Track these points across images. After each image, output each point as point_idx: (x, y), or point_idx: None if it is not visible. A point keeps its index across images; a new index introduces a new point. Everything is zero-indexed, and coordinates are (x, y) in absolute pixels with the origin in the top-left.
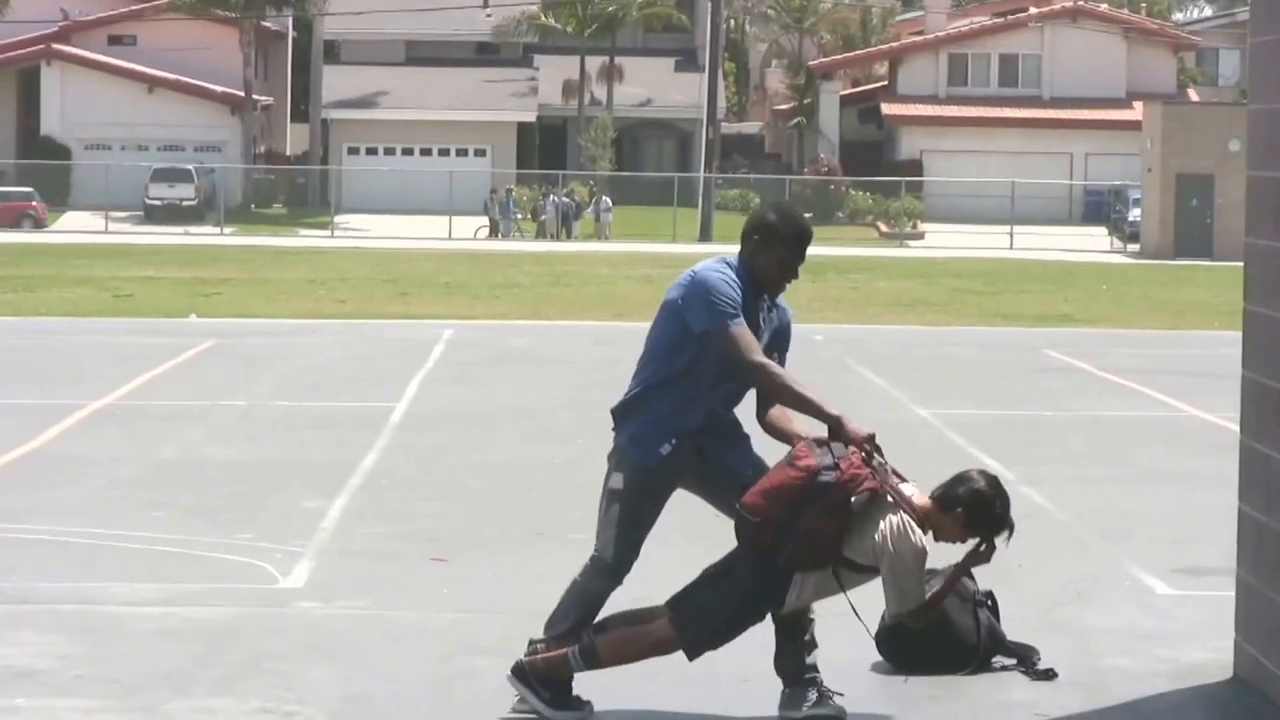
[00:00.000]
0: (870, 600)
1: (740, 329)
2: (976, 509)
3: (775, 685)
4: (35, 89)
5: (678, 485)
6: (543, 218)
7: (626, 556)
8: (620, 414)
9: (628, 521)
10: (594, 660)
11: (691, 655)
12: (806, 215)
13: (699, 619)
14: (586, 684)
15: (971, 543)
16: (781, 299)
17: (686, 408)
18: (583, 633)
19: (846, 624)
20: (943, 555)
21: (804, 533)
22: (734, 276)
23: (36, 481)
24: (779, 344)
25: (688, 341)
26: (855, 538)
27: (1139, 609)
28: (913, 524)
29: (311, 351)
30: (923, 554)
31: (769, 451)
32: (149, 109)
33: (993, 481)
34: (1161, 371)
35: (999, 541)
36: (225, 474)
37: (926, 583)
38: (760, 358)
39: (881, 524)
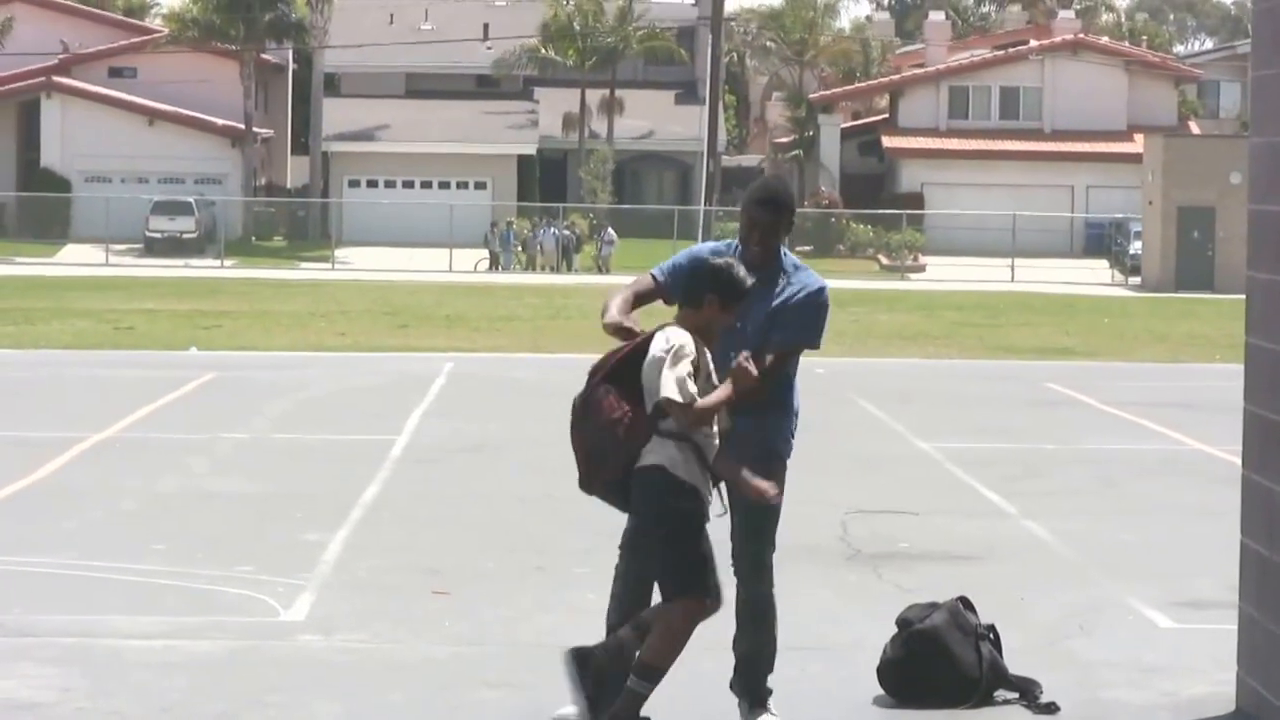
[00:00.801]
0: (872, 632)
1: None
2: (722, 282)
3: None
4: (35, 121)
5: None
6: (534, 250)
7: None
8: None
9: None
10: (652, 674)
11: (718, 603)
12: (782, 183)
13: (692, 575)
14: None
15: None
16: (809, 272)
17: None
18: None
19: (850, 657)
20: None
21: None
22: (698, 250)
23: (37, 514)
24: (780, 318)
25: None
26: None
27: (1141, 642)
28: (666, 335)
29: (312, 384)
30: (680, 348)
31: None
32: (149, 141)
33: (714, 250)
34: (1163, 404)
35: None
36: (226, 507)
37: (926, 616)
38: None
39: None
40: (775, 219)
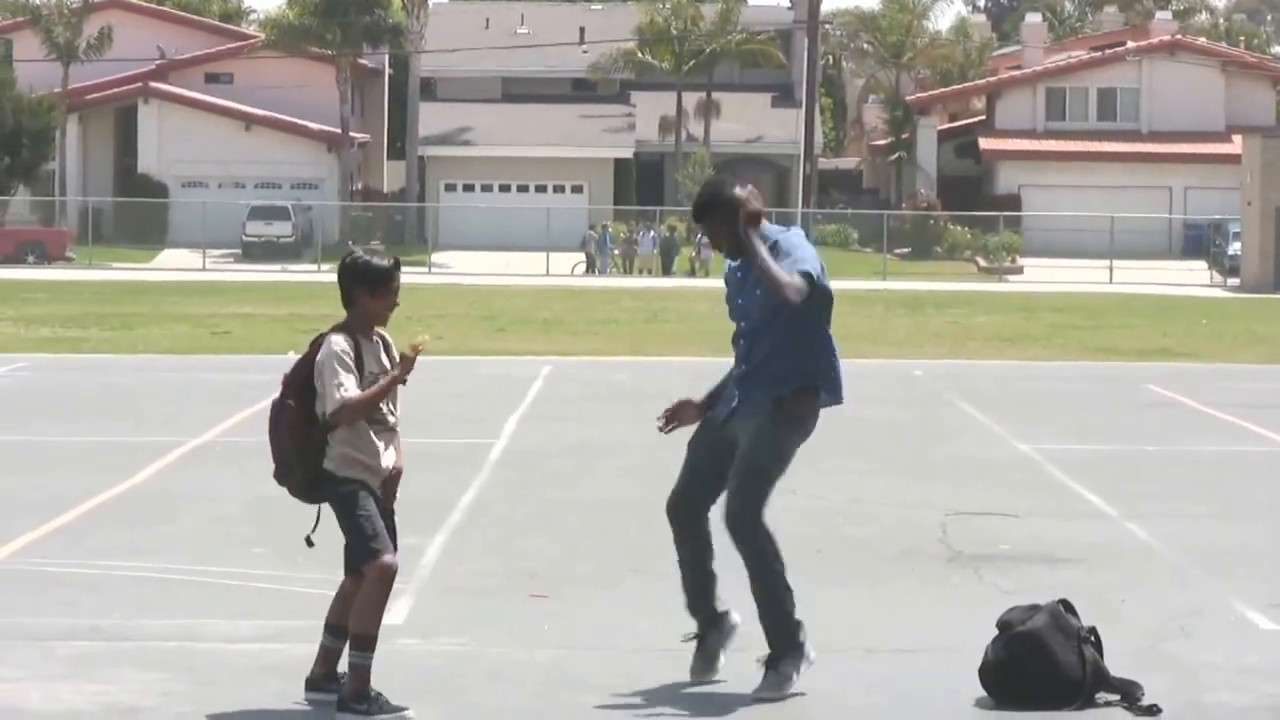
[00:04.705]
0: (973, 634)
1: None
2: (360, 274)
3: None
4: (132, 127)
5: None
6: (638, 250)
7: None
8: None
9: None
10: (366, 643)
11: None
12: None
13: (364, 540)
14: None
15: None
16: (781, 230)
17: None
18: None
19: (951, 659)
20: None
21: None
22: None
23: (136, 519)
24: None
25: None
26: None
27: (1242, 644)
28: (332, 338)
29: (410, 388)
30: (334, 354)
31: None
32: (246, 147)
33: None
34: (1264, 406)
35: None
36: (326, 511)
37: (1027, 619)
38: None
39: None
40: (710, 225)
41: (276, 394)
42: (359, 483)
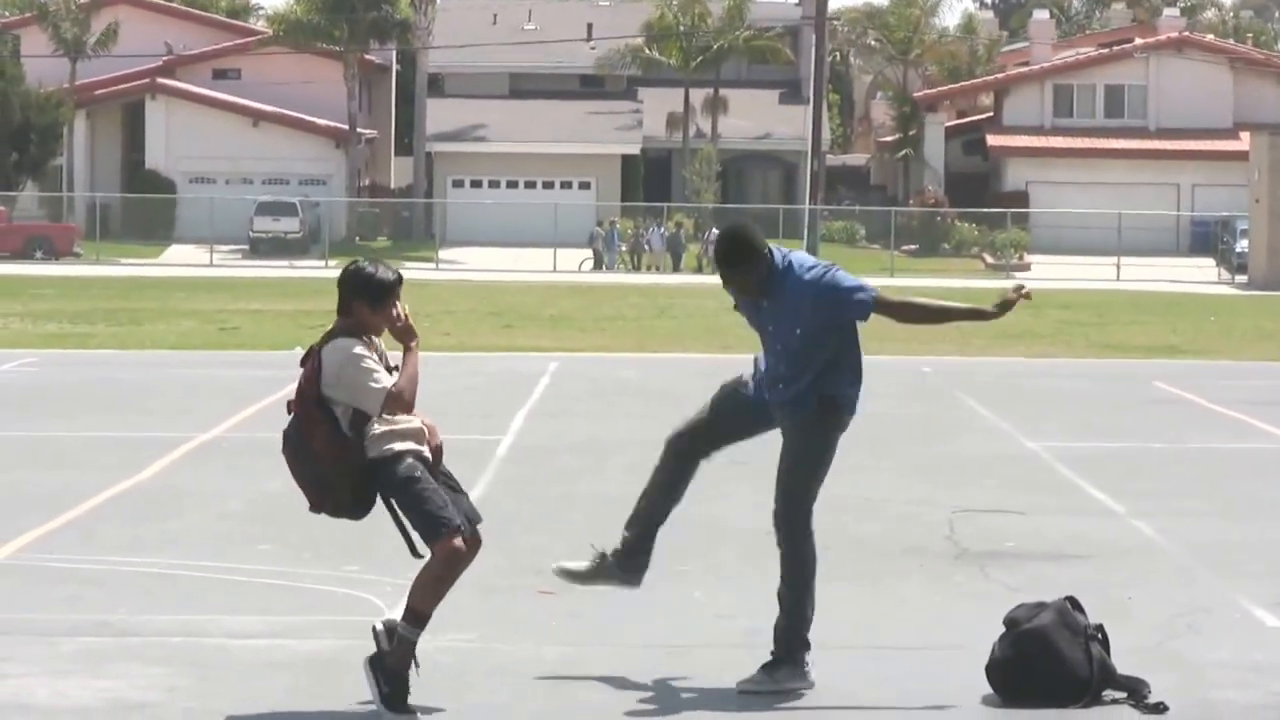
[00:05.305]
0: (979, 632)
1: None
2: (358, 287)
3: None
4: (140, 123)
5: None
6: (646, 248)
7: None
8: None
9: None
10: (417, 619)
11: (462, 532)
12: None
13: (430, 515)
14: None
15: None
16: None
17: None
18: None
19: (958, 657)
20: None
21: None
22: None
23: (143, 514)
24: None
25: None
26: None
27: (1249, 641)
28: (339, 344)
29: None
30: (355, 355)
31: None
32: (253, 142)
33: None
34: (1271, 403)
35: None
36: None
37: (1034, 616)
38: None
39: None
40: (743, 277)
41: (289, 427)
42: (411, 454)
